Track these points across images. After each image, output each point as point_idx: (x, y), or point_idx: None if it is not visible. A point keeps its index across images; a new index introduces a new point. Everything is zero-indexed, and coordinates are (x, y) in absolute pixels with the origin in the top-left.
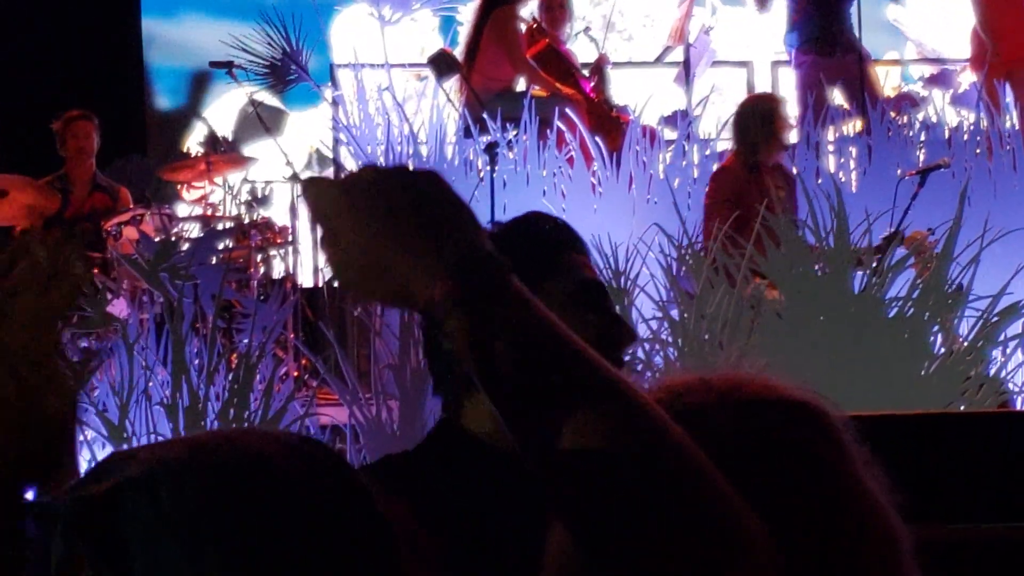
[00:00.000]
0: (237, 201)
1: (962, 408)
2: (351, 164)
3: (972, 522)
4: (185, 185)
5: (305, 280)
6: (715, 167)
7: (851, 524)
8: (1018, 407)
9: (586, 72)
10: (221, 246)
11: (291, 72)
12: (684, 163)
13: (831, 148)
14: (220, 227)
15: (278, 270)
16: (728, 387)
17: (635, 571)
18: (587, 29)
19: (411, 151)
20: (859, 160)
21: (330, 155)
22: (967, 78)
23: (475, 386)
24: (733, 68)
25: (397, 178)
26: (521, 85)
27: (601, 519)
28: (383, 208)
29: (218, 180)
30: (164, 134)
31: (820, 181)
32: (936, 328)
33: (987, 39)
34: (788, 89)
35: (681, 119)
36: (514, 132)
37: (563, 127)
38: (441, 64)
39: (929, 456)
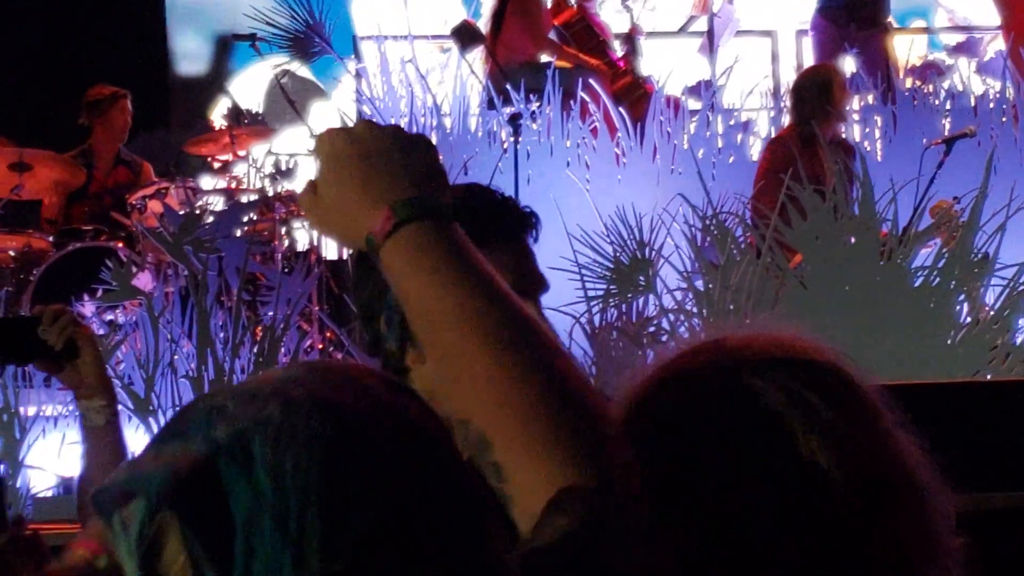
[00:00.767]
0: (261, 174)
1: (988, 377)
2: None
3: (999, 490)
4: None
5: (329, 252)
6: (739, 138)
7: (882, 471)
8: None
9: (617, 43)
10: (245, 219)
11: (314, 45)
12: (708, 133)
13: (856, 117)
14: (244, 200)
15: (302, 242)
16: (724, 348)
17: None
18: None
19: (434, 123)
20: (884, 129)
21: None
22: (995, 46)
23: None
24: (757, 38)
25: (378, 131)
26: (545, 56)
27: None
28: (356, 154)
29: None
30: (187, 105)
31: None
32: (962, 297)
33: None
34: (811, 59)
35: (705, 89)
36: (537, 103)
37: (587, 98)
38: (464, 36)
39: (956, 425)
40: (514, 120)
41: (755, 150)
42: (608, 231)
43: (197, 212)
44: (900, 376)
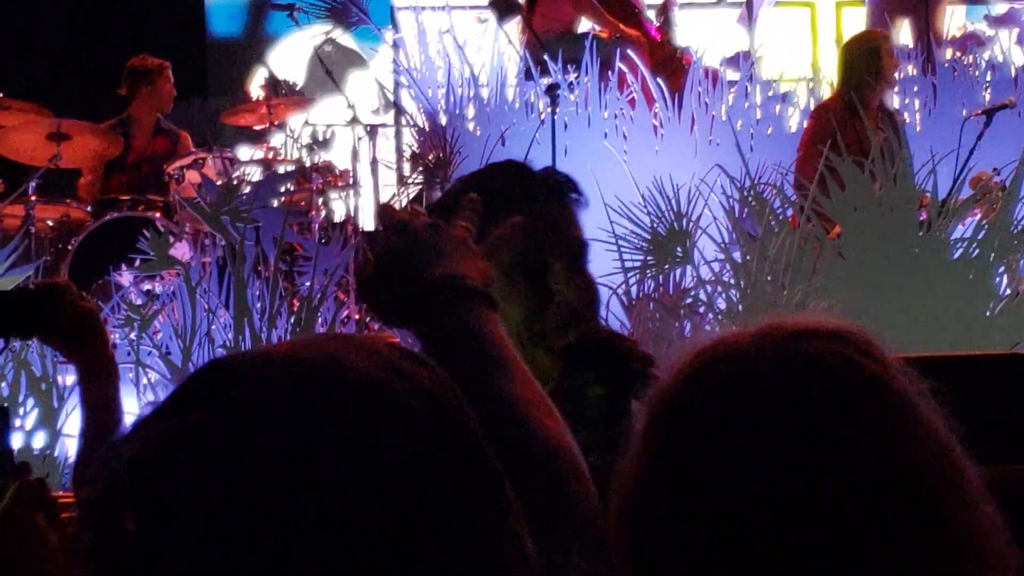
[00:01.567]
0: (298, 144)
1: None
2: (411, 107)
3: None
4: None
5: (366, 223)
6: (777, 109)
7: (915, 439)
8: None
9: (652, 14)
10: (283, 189)
11: (352, 15)
12: (747, 105)
13: (896, 88)
14: (281, 170)
15: (339, 213)
16: (767, 326)
17: None
18: None
19: (472, 94)
20: (924, 100)
21: (391, 98)
22: None
23: None
24: (796, 9)
25: (426, 227)
26: (583, 26)
27: None
28: (406, 241)
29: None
30: (224, 75)
31: None
32: (1001, 269)
33: None
34: (852, 30)
35: (744, 60)
36: (575, 74)
37: (624, 68)
38: (501, 6)
39: (995, 398)
40: (552, 91)
41: (793, 121)
42: (645, 202)
43: (235, 182)
44: (938, 348)
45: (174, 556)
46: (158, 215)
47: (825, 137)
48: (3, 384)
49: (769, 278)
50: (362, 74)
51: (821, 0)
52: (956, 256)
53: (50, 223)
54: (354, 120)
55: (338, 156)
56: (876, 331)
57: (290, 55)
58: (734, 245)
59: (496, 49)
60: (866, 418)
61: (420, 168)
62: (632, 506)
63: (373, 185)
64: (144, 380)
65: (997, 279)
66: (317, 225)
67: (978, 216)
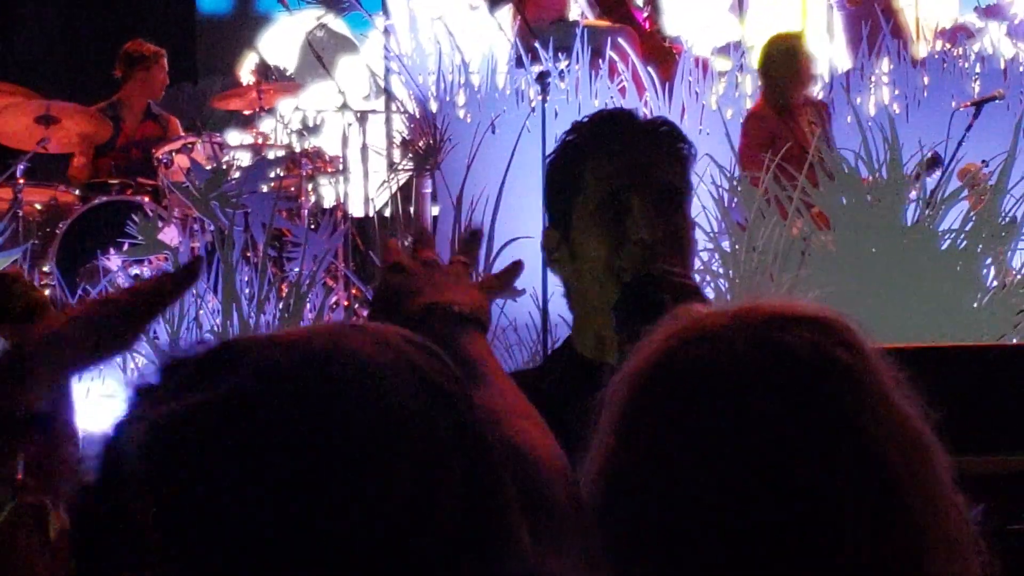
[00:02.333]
0: (288, 129)
1: (1015, 340)
2: (402, 93)
3: None
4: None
5: (355, 209)
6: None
7: (883, 432)
8: None
9: (640, 2)
10: (272, 174)
11: (343, 0)
12: (737, 94)
13: (885, 80)
14: (271, 156)
15: (329, 199)
16: (744, 309)
17: None
18: None
19: (462, 80)
20: (913, 92)
21: (381, 84)
22: None
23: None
24: None
25: (422, 263)
26: (574, 14)
27: None
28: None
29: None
30: (214, 51)
31: (874, 113)
32: (989, 260)
33: None
34: (839, 19)
35: (734, 49)
36: (566, 62)
37: (615, 57)
38: None
39: (981, 389)
40: (542, 78)
41: None
42: None
43: (224, 167)
44: (925, 339)
45: (194, 538)
46: (147, 199)
47: (762, 143)
48: None
49: (757, 267)
50: (353, 60)
51: None
52: (944, 247)
53: (38, 206)
54: (344, 106)
55: (328, 142)
56: (861, 320)
57: (280, 40)
58: (723, 234)
59: (487, 36)
60: (833, 411)
61: (410, 154)
62: (600, 486)
63: (363, 171)
64: (131, 365)
65: (984, 270)
66: (306, 211)
67: (966, 207)
